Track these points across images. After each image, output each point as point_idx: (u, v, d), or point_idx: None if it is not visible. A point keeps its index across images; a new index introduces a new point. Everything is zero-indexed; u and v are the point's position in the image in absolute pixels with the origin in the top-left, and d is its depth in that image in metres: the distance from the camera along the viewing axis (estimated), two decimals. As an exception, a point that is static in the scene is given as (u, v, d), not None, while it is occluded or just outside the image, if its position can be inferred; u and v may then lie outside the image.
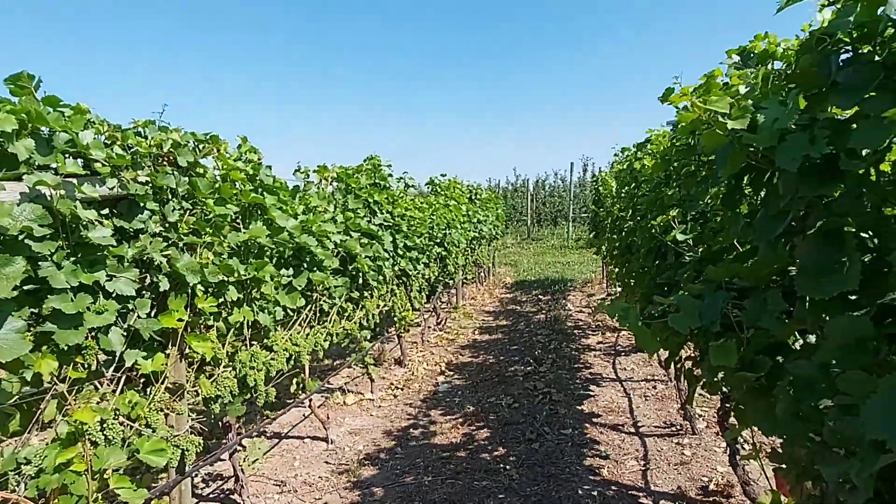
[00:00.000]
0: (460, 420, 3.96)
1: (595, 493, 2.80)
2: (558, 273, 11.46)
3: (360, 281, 4.11)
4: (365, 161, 4.50)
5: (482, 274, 10.76)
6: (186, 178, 2.16)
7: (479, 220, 8.97)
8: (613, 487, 2.85)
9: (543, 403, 4.12)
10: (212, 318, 2.38)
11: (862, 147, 1.03)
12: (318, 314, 3.65)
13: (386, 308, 5.15)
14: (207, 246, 2.28)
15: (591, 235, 8.74)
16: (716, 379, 1.96)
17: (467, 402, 4.34)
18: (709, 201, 2.32)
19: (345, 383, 5.07)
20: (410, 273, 5.54)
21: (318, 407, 4.24)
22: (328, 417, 3.97)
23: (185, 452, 2.31)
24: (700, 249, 2.31)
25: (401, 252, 5.04)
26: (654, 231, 2.93)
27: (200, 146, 2.31)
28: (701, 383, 2.30)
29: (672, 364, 2.31)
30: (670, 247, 2.50)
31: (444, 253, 6.76)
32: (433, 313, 7.54)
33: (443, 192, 7.30)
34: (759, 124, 1.40)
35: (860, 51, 1.16)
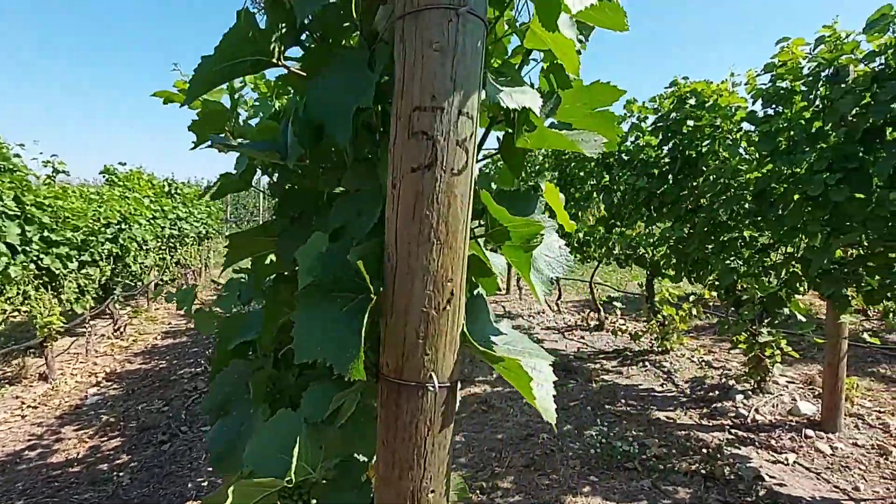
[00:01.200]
0: (92, 433, 3.58)
1: (206, 483, 2.84)
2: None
3: (-42, 281, 3.40)
4: (-26, 137, 3.73)
5: (190, 275, 9.97)
6: None
7: (180, 217, 8.29)
8: (229, 475, 2.94)
9: (196, 403, 4.01)
10: None
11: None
12: None
13: (17, 314, 4.37)
14: None
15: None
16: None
17: (112, 412, 3.95)
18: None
19: (-47, 409, 4.11)
20: (59, 272, 4.80)
21: None
22: None
23: None
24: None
25: (38, 247, 4.33)
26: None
27: None
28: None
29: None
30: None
31: (119, 251, 6.04)
32: (110, 319, 6.66)
33: (121, 183, 6.52)
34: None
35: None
